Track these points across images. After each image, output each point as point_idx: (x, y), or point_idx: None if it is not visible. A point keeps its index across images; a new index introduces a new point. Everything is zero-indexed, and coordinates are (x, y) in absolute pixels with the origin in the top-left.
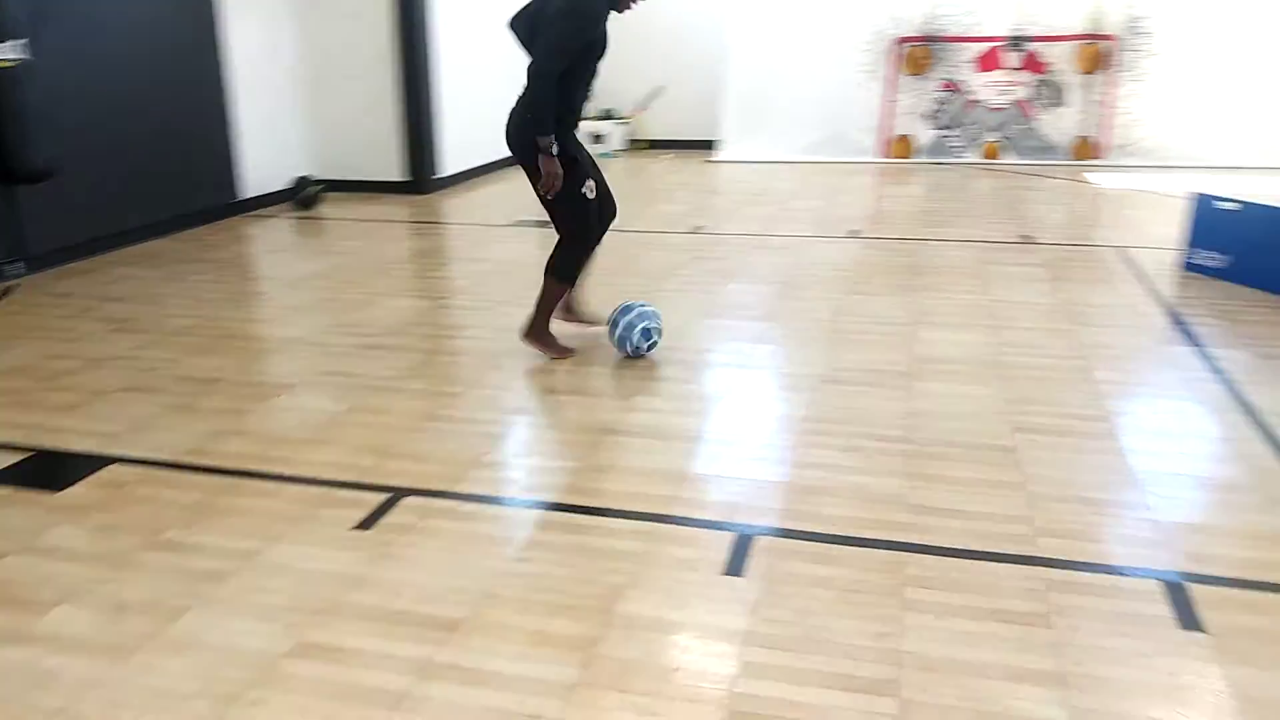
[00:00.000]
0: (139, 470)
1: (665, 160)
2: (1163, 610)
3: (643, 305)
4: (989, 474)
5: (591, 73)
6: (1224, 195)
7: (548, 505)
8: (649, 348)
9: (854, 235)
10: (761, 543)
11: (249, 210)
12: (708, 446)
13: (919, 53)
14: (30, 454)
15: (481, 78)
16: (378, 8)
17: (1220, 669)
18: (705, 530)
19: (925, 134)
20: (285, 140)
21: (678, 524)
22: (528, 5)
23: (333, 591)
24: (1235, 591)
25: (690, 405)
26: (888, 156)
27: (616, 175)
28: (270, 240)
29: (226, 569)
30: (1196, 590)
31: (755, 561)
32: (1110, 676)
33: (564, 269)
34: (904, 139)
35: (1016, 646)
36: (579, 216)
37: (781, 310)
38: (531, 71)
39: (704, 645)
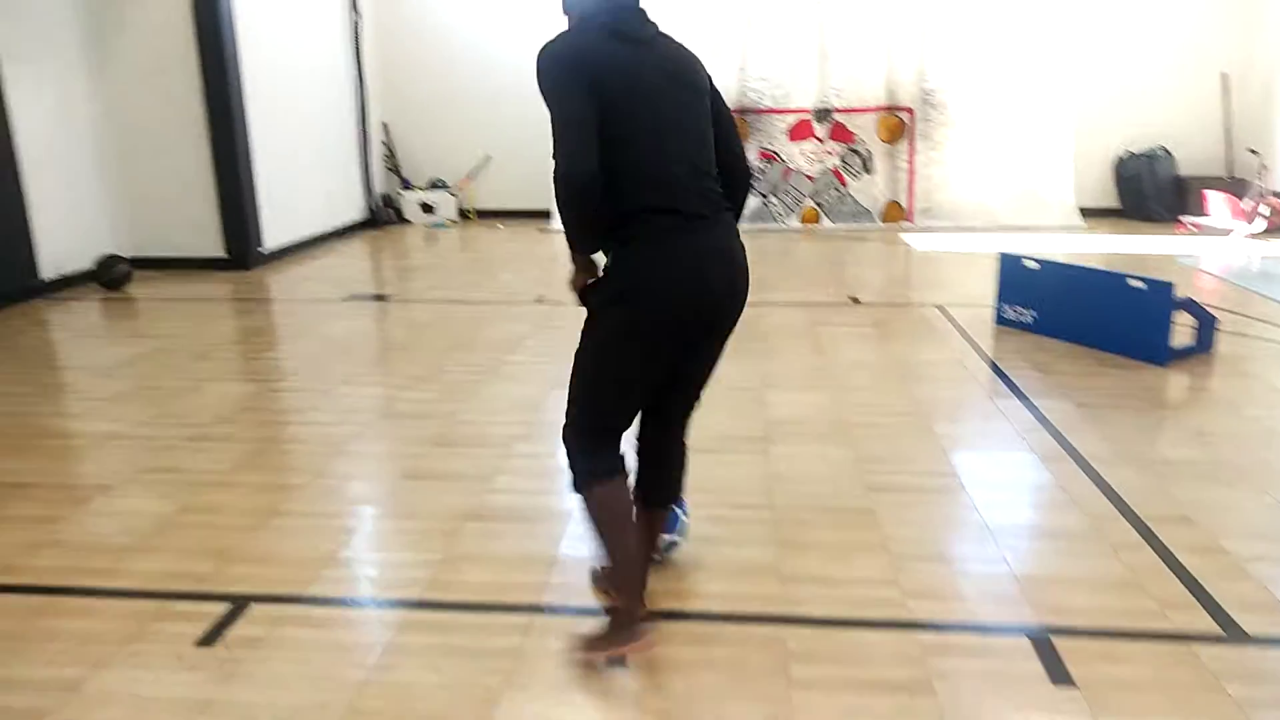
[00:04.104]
0: None
1: (499, 230)
2: (1035, 667)
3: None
4: (852, 536)
5: (651, 139)
6: (1026, 255)
7: (409, 604)
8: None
9: None
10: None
11: (50, 293)
12: (575, 526)
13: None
14: None
15: (302, 143)
16: (183, 68)
17: None
18: (580, 617)
19: (749, 200)
20: (87, 216)
21: (552, 614)
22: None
23: None
24: (1095, 642)
25: (554, 483)
26: None
27: (450, 247)
28: (76, 325)
29: (45, 706)
30: (1060, 643)
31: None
32: None
33: (570, 429)
34: None
35: (903, 715)
36: (582, 380)
37: None
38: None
39: None
